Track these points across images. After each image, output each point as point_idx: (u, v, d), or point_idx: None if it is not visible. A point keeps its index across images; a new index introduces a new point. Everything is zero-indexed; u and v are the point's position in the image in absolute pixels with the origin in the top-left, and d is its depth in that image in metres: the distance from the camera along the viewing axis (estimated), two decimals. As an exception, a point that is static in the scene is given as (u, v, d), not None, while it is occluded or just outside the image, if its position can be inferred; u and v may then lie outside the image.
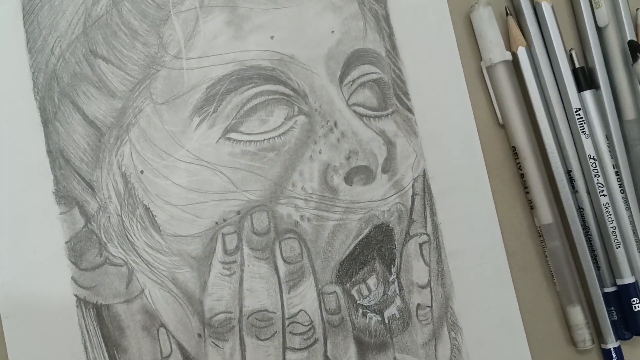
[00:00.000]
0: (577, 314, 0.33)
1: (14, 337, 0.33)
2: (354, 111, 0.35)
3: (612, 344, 0.33)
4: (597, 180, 0.33)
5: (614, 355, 0.33)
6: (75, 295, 0.33)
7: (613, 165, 0.34)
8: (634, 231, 0.34)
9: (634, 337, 0.34)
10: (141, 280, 0.33)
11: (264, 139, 0.34)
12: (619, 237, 0.33)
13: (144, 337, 0.33)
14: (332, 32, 0.35)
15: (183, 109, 0.34)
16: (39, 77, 0.34)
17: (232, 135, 0.34)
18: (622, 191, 0.34)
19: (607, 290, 0.34)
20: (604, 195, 0.33)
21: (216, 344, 0.33)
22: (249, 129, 0.34)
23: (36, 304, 0.33)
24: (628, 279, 0.33)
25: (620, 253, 0.33)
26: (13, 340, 0.33)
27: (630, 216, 0.34)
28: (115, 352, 0.33)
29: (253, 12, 0.35)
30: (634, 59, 0.34)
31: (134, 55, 0.34)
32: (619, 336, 0.34)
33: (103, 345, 0.33)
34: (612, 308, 0.34)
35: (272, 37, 0.35)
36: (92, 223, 0.33)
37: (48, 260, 0.33)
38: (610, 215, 0.33)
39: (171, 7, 0.34)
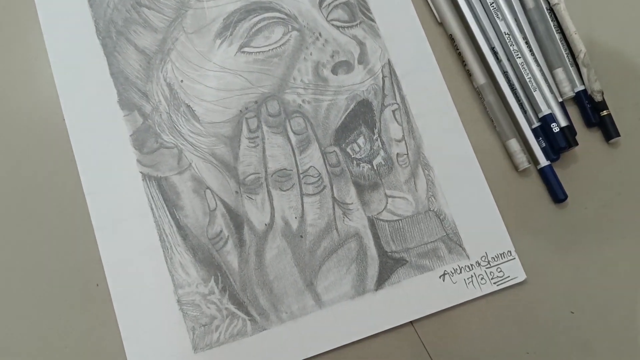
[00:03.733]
0: (514, 144, 0.44)
1: (96, 208, 0.42)
2: (332, 24, 0.46)
3: (544, 163, 0.44)
4: (513, 48, 0.45)
5: (547, 172, 0.44)
6: (141, 172, 0.43)
7: (522, 37, 0.46)
8: (545, 79, 0.45)
9: (561, 156, 0.45)
10: (188, 157, 0.43)
11: (269, 50, 0.45)
12: (534, 83, 0.44)
13: (195, 197, 0.43)
14: (309, -27, 0.48)
15: (207, 35, 0.46)
16: (99, 23, 0.45)
17: (246, 49, 0.45)
18: (532, 54, 0.45)
19: (534, 126, 0.45)
20: (519, 57, 0.45)
21: (250, 197, 0.43)
22: (258, 43, 0.46)
23: (111, 182, 0.42)
24: (546, 111, 0.44)
25: (537, 94, 0.44)
26: (95, 210, 0.42)
27: (541, 70, 0.45)
28: (174, 210, 0.42)
29: (251, -34, 0.47)
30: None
31: (168, 2, 0.46)
32: (549, 159, 0.44)
33: (165, 206, 0.42)
34: (540, 138, 0.45)
35: (266, -19, 0.47)
36: (149, 120, 0.44)
37: (118, 149, 0.43)
38: (525, 70, 0.45)
39: (191, -32, 0.47)
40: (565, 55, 0.46)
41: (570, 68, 0.46)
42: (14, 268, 0.41)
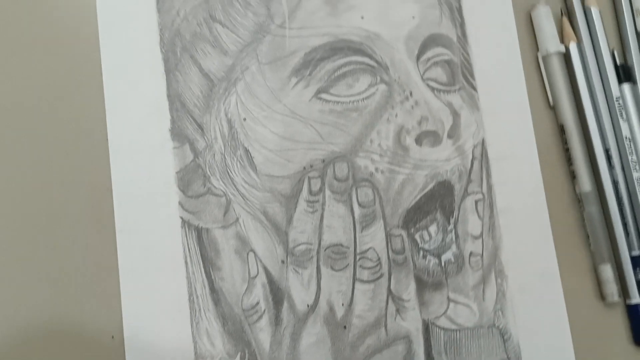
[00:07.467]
0: (607, 271, 0.37)
1: (125, 249, 0.36)
2: (427, 84, 0.39)
3: (636, 299, 0.37)
4: (631, 158, 0.38)
5: (638, 310, 0.37)
6: (181, 218, 0.37)
7: (645, 146, 0.38)
8: (659, 202, 0.38)
9: (656, 296, 0.38)
10: (237, 211, 0.37)
11: (350, 101, 0.39)
12: (647, 208, 0.38)
13: (236, 259, 0.37)
14: (413, 17, 0.40)
15: (283, 70, 0.39)
16: (165, 33, 0.39)
17: (323, 95, 0.38)
18: (651, 168, 0.38)
19: (634, 253, 0.38)
20: (636, 171, 0.38)
21: (296, 270, 0.37)
22: (338, 91, 0.39)
23: (147, 222, 0.36)
24: (653, 244, 0.37)
25: (647, 221, 0.37)
26: (124, 251, 0.36)
27: (658, 191, 0.38)
28: (210, 269, 0.37)
29: (347, -5, 0.40)
30: (667, 60, 0.39)
31: (246, 22, 0.39)
32: (642, 295, 0.38)
33: (201, 262, 0.37)
34: (638, 269, 0.38)
35: (362, 17, 0.39)
36: (200, 158, 0.38)
37: (160, 187, 0.37)
38: (641, 187, 0.38)
39: (279, -15, 0.39)
40: (689, 177, 0.38)
41: (691, 194, 0.38)
42: (24, 306, 0.36)
